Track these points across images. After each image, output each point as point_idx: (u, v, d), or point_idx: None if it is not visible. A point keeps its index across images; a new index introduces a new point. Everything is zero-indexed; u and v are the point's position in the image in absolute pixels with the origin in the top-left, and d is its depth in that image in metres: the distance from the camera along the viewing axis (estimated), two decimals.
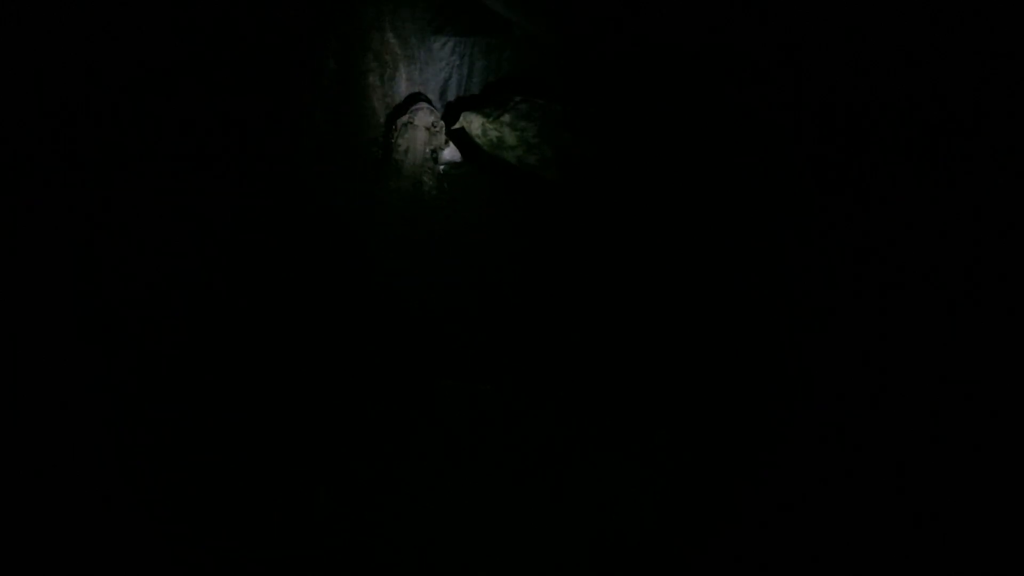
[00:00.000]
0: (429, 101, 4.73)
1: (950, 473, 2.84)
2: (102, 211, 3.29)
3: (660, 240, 4.13)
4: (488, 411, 3.18)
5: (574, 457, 2.99)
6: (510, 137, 4.48)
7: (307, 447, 3.00)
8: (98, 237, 3.26)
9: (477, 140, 4.57)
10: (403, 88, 4.73)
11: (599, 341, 3.65)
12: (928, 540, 2.67)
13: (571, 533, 2.67)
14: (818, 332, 3.55)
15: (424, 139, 4.63)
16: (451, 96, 4.82)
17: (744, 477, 2.99)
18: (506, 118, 4.47)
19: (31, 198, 3.08)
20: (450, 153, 4.64)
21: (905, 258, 3.54)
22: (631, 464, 2.98)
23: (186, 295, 3.42)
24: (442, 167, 4.60)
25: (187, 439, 2.95)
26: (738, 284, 3.85)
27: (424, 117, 4.61)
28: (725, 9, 3.97)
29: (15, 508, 2.50)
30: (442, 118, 4.71)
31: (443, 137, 4.66)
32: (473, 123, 4.54)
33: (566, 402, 3.28)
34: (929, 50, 3.50)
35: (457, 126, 4.63)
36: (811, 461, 3.01)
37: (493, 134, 4.50)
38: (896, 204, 3.62)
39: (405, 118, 4.54)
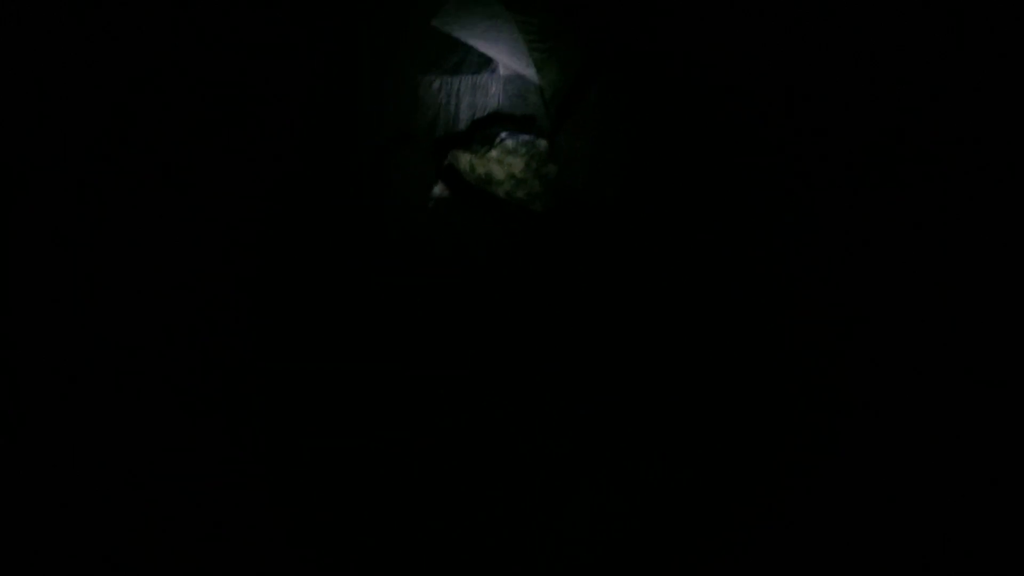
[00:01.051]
0: (418, 139, 4.84)
1: (951, 477, 2.85)
2: (122, 211, 3.40)
3: (651, 267, 4.18)
4: (486, 423, 3.21)
5: (573, 467, 3.00)
6: (498, 172, 4.57)
7: (302, 447, 3.02)
8: (119, 235, 3.36)
9: (465, 176, 4.66)
10: (392, 127, 4.83)
11: (597, 357, 3.67)
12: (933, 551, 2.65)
13: (569, 542, 2.67)
14: (819, 341, 3.56)
15: (414, 176, 4.71)
16: (439, 133, 4.93)
17: (745, 489, 2.98)
18: (493, 154, 4.57)
19: (37, 201, 3.17)
20: (439, 189, 4.72)
21: (909, 258, 3.55)
22: (630, 476, 2.98)
23: (190, 292, 3.48)
24: (431, 203, 4.68)
25: (183, 438, 2.94)
26: (733, 305, 3.88)
27: (413, 155, 4.70)
28: (706, 35, 4.07)
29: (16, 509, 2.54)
30: (431, 155, 4.81)
31: (432, 174, 4.75)
32: (461, 159, 4.64)
33: (566, 412, 3.29)
34: (923, 58, 3.55)
35: (445, 163, 4.72)
36: (815, 472, 3.01)
37: (481, 170, 4.59)
38: (898, 205, 3.64)
39: (395, 156, 4.63)
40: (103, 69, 3.46)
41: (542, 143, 4.63)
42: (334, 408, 3.26)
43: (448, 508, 2.74)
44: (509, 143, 4.59)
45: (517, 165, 4.56)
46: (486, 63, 4.84)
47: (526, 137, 4.64)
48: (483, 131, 4.80)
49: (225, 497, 2.71)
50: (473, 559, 2.52)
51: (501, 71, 4.88)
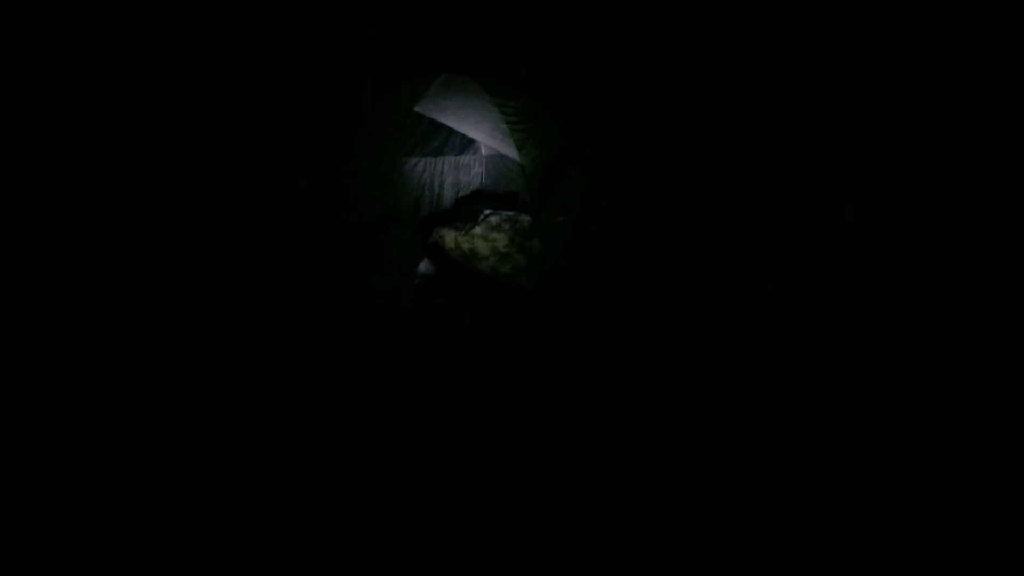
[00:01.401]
0: (402, 218, 4.90)
1: (951, 478, 2.81)
2: (123, 210, 3.44)
3: (650, 273, 4.14)
4: (485, 425, 3.18)
5: (572, 467, 2.97)
6: (482, 248, 4.61)
7: (304, 444, 2.97)
8: (119, 235, 3.39)
9: (450, 253, 4.69)
10: (376, 206, 4.91)
11: (597, 364, 3.62)
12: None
13: (568, 542, 2.63)
14: (820, 341, 3.50)
15: (398, 254, 4.74)
16: (423, 212, 5.00)
17: (744, 489, 2.93)
18: (477, 230, 4.62)
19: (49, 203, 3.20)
20: (425, 267, 4.73)
21: (909, 258, 3.54)
22: (630, 476, 2.95)
23: (189, 292, 3.47)
24: (417, 280, 4.68)
25: (182, 435, 2.90)
26: (732, 306, 3.82)
27: (398, 233, 4.74)
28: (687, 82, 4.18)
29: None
30: (415, 233, 4.86)
31: (417, 252, 4.77)
32: (446, 237, 4.68)
33: (565, 413, 3.27)
34: (923, 58, 3.64)
35: (430, 240, 4.76)
36: (815, 472, 2.98)
37: (465, 246, 4.63)
38: (899, 209, 3.66)
39: (379, 235, 4.67)
40: (103, 70, 3.56)
41: (525, 218, 4.70)
42: (332, 407, 3.28)
43: (446, 509, 2.71)
44: (493, 219, 4.66)
45: (501, 241, 4.60)
46: (468, 144, 4.99)
47: (509, 213, 4.72)
48: (467, 208, 4.88)
49: (224, 497, 2.68)
50: (473, 559, 2.49)
51: (483, 151, 5.02)
